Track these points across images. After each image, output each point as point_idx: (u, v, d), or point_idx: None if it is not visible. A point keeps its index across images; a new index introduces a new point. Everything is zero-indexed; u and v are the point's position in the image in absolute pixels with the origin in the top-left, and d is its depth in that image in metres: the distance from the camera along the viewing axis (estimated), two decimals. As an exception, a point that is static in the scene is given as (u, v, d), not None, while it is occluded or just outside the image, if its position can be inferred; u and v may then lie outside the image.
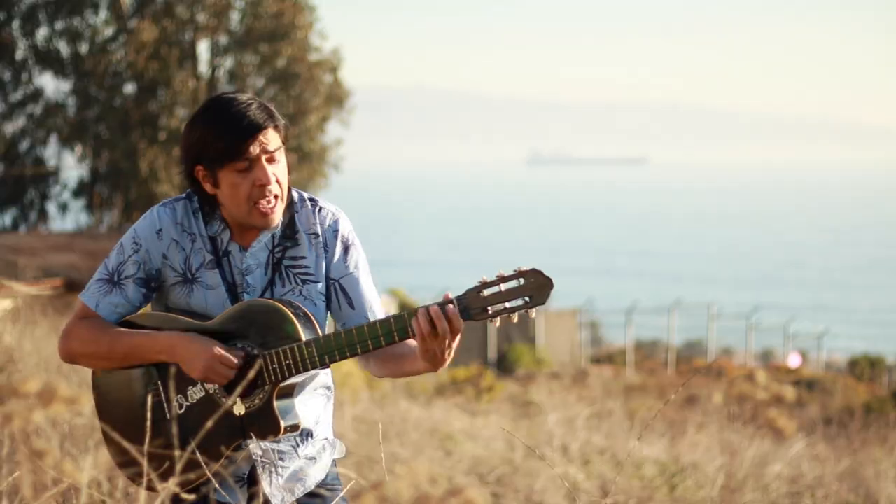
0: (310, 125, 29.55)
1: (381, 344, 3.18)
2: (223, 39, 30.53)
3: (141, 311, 3.38)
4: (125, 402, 3.35)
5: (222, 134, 3.21)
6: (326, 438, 3.43)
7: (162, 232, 3.32)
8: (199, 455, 3.22)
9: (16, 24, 30.37)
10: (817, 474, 9.17)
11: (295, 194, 3.39)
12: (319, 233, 3.35)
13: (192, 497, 3.26)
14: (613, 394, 17.98)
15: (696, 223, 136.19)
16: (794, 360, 30.49)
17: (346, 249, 3.36)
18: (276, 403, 3.22)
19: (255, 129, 3.21)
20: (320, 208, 3.38)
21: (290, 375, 3.20)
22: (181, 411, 3.28)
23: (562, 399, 14.86)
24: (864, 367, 27.12)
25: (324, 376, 3.43)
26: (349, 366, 16.12)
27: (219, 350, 3.20)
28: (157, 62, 29.49)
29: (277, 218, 3.28)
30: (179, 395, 3.28)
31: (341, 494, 3.42)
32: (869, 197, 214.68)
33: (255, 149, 3.21)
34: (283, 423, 3.22)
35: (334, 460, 3.48)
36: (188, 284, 3.31)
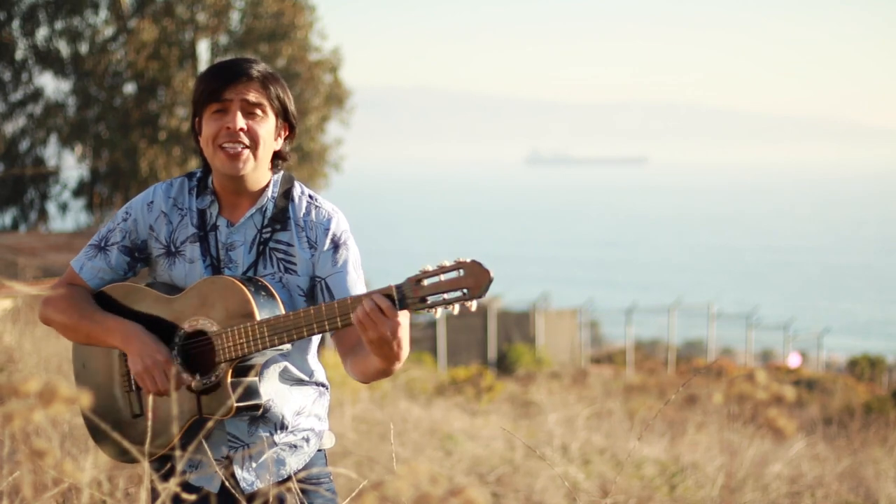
0: (310, 125, 29.54)
1: (325, 328, 3.14)
2: (223, 39, 30.52)
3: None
4: (99, 370, 3.40)
5: (208, 78, 3.27)
6: (311, 429, 3.40)
7: (153, 204, 3.36)
8: (157, 431, 3.26)
9: (16, 23, 30.36)
10: (817, 474, 9.16)
11: (297, 188, 3.39)
12: (307, 227, 3.33)
13: (192, 497, 3.26)
14: (613, 394, 17.97)
15: (696, 223, 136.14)
16: (794, 360, 30.46)
17: (335, 248, 3.33)
18: (229, 381, 3.21)
19: (236, 76, 3.24)
20: (317, 206, 3.37)
21: (243, 354, 3.18)
22: None
23: (562, 399, 14.85)
24: (864, 367, 27.10)
25: (311, 371, 3.40)
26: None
27: (165, 364, 3.20)
28: (157, 62, 29.48)
29: (246, 169, 3.27)
30: None
31: (327, 486, 3.39)
32: (869, 196, 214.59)
33: (231, 94, 3.24)
34: (234, 403, 3.20)
35: (323, 453, 3.46)
36: (171, 257, 3.34)
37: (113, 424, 3.33)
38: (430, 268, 3.06)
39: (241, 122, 3.24)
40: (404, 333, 3.11)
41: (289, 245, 3.31)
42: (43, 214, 31.52)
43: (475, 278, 3.02)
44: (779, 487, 8.40)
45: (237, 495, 3.31)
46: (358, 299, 3.09)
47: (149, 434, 3.24)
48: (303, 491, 3.35)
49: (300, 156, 29.40)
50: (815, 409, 18.19)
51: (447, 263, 3.05)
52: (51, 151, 31.28)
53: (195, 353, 3.26)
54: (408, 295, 3.07)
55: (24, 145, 31.09)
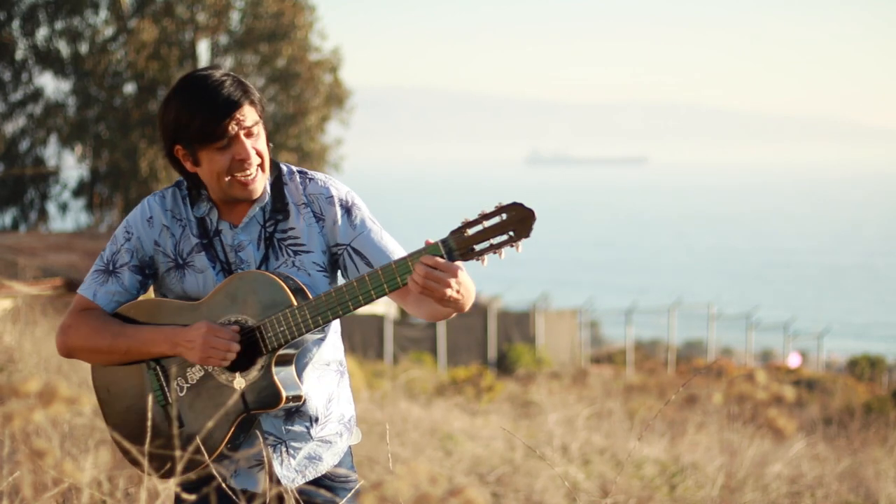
0: (310, 125, 29.52)
1: (372, 298, 3.12)
2: (223, 39, 30.55)
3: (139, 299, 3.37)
4: (127, 391, 3.33)
5: (199, 115, 3.18)
6: (341, 419, 3.39)
7: (153, 220, 3.33)
8: (203, 438, 3.21)
9: (16, 24, 30.39)
10: (817, 474, 9.16)
11: (283, 167, 3.37)
12: (309, 202, 3.31)
13: (192, 497, 3.25)
14: (613, 394, 17.95)
15: (696, 223, 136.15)
16: (793, 360, 30.45)
17: (348, 211, 3.32)
18: (275, 371, 3.19)
19: (231, 108, 3.18)
20: (310, 178, 3.35)
21: (286, 342, 3.17)
22: (182, 394, 3.27)
23: (562, 399, 14.83)
24: (864, 367, 27.10)
25: (333, 350, 3.39)
26: (349, 366, 16.09)
27: (211, 328, 3.17)
28: (157, 62, 29.49)
29: (259, 188, 3.26)
30: (179, 378, 3.27)
31: (350, 495, 3.39)
32: (869, 196, 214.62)
33: (233, 128, 3.19)
34: (284, 393, 3.19)
35: (349, 450, 3.45)
36: (180, 269, 3.31)
37: (154, 441, 3.25)
38: (470, 218, 3.06)
39: (250, 149, 3.22)
40: (465, 277, 3.10)
41: (292, 228, 3.30)
42: (43, 214, 31.55)
43: (520, 219, 3.03)
44: (779, 487, 8.40)
45: (242, 494, 3.30)
46: (404, 263, 3.08)
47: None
48: (334, 489, 3.35)
49: (300, 156, 29.39)
50: (815, 409, 18.18)
51: (487, 210, 3.04)
52: (51, 151, 31.34)
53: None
54: (454, 248, 3.06)
55: (24, 145, 31.13)
